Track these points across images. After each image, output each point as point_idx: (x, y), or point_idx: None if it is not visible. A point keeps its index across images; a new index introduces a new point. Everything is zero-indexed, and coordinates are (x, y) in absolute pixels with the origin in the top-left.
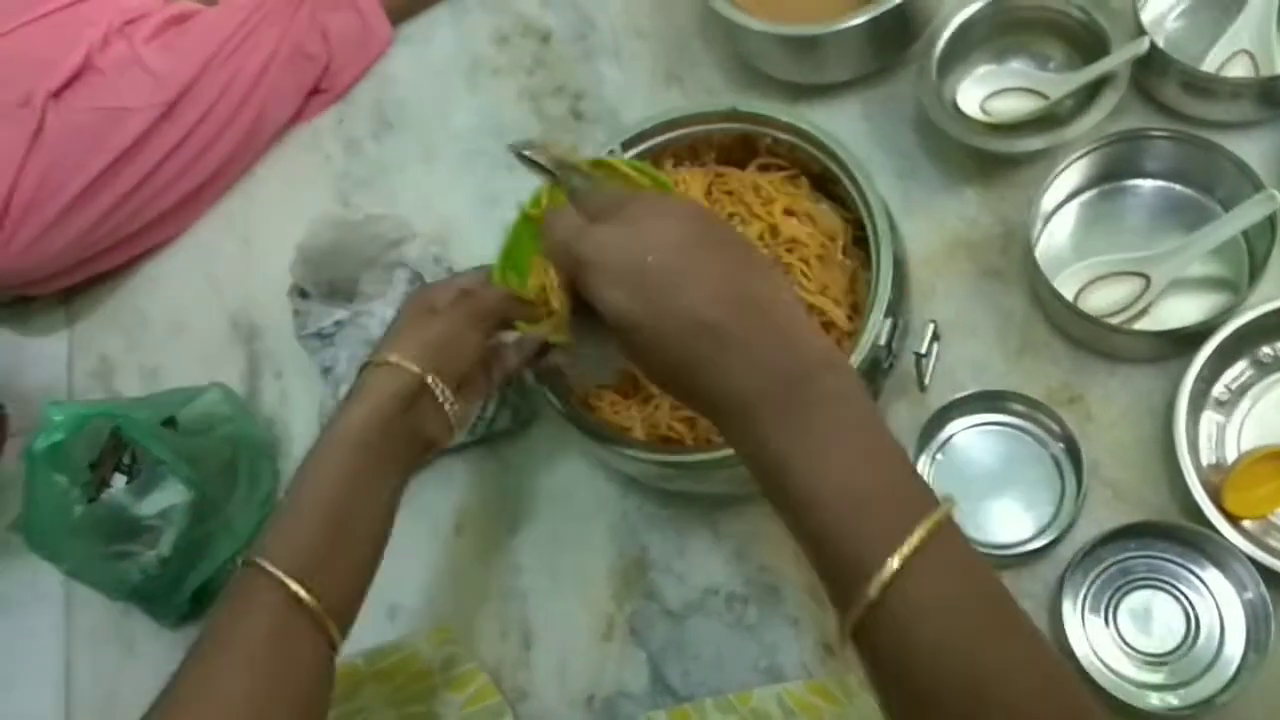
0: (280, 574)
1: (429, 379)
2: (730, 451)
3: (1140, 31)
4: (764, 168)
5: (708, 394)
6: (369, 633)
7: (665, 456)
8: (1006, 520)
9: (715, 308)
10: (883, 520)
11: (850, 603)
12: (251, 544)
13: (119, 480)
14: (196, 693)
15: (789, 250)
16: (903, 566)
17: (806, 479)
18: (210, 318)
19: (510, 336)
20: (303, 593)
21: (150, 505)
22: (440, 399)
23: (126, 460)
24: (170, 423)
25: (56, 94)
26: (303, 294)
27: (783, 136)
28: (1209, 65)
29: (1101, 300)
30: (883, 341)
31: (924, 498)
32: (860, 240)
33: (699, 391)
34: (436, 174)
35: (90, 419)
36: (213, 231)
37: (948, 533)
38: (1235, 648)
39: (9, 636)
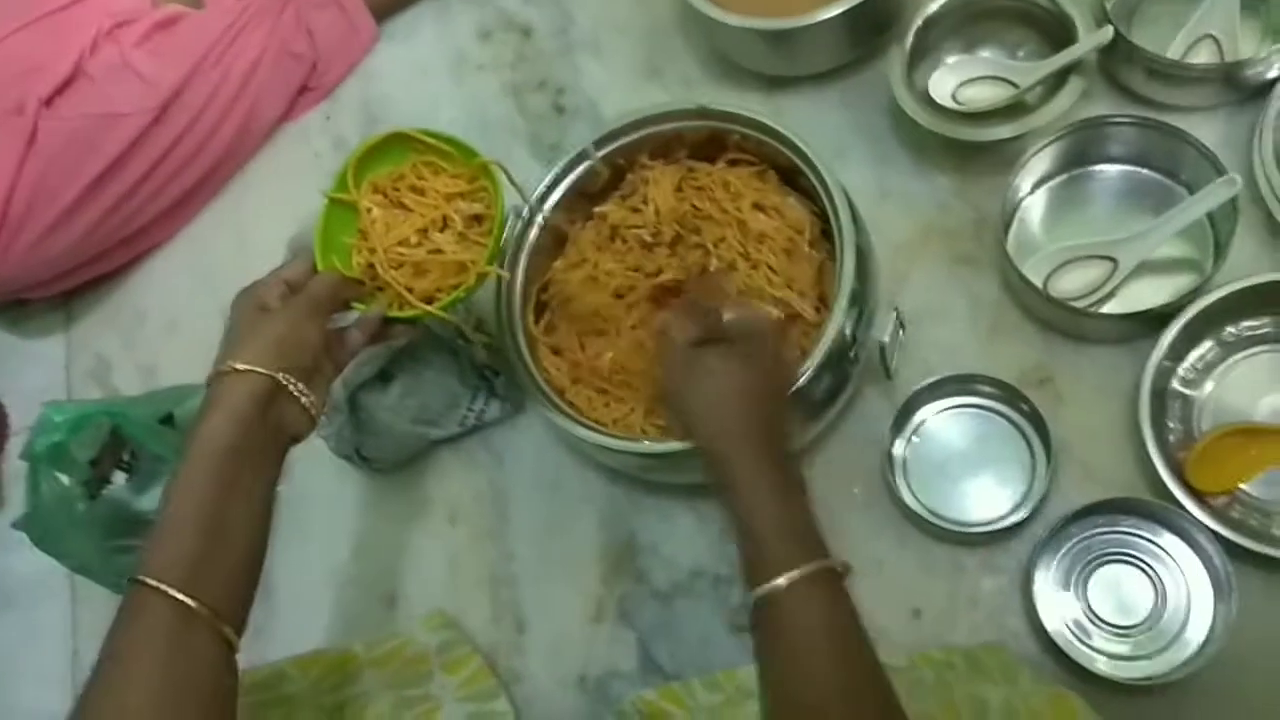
0: (165, 587)
1: (280, 377)
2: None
3: (1106, 19)
4: (734, 162)
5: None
6: (369, 622)
7: (637, 447)
8: (979, 499)
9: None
10: (786, 552)
11: (748, 593)
12: (138, 562)
13: (119, 477)
14: (100, 709)
15: (758, 243)
16: (788, 586)
17: (751, 511)
18: (206, 315)
19: (349, 318)
20: (190, 601)
21: (150, 500)
22: (296, 394)
23: (126, 457)
24: (168, 420)
25: (49, 101)
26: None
27: (750, 133)
28: (1174, 51)
29: (1071, 283)
30: (848, 332)
31: (819, 550)
32: (828, 232)
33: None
34: None
35: (89, 418)
36: (206, 230)
37: (832, 584)
38: (1201, 619)
39: (15, 633)
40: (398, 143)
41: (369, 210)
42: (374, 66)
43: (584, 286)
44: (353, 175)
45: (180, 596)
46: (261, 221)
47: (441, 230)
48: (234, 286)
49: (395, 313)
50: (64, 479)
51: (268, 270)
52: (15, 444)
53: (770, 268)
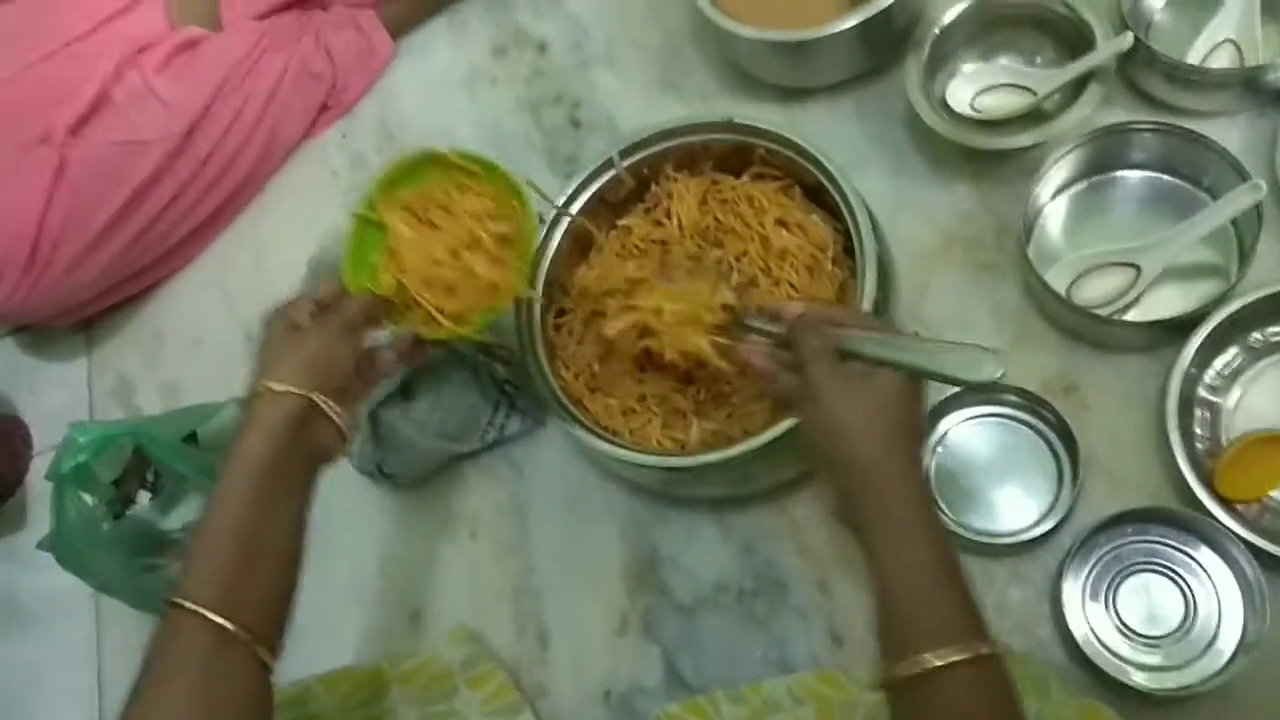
0: (201, 609)
1: (314, 398)
2: (713, 458)
3: (1124, 26)
4: (759, 176)
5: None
6: (393, 637)
7: (653, 460)
8: (1006, 510)
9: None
10: (942, 623)
11: (884, 669)
12: (174, 584)
13: (143, 496)
14: None
15: (780, 260)
16: (941, 667)
17: (892, 568)
18: (226, 333)
19: (380, 337)
20: (227, 623)
21: (175, 519)
22: (330, 414)
23: (149, 477)
24: (191, 438)
25: (74, 130)
26: None
27: (775, 148)
28: (1194, 56)
29: (1094, 291)
30: None
31: (979, 628)
32: (850, 250)
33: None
34: None
35: (113, 439)
36: (225, 249)
37: (990, 667)
38: (1232, 629)
39: (40, 650)
40: (426, 162)
41: (399, 229)
42: (390, 84)
43: (625, 336)
44: (381, 194)
45: (216, 619)
46: (280, 240)
47: (471, 250)
48: (254, 304)
49: (427, 333)
50: (88, 499)
51: (287, 288)
52: (38, 463)
53: (791, 285)
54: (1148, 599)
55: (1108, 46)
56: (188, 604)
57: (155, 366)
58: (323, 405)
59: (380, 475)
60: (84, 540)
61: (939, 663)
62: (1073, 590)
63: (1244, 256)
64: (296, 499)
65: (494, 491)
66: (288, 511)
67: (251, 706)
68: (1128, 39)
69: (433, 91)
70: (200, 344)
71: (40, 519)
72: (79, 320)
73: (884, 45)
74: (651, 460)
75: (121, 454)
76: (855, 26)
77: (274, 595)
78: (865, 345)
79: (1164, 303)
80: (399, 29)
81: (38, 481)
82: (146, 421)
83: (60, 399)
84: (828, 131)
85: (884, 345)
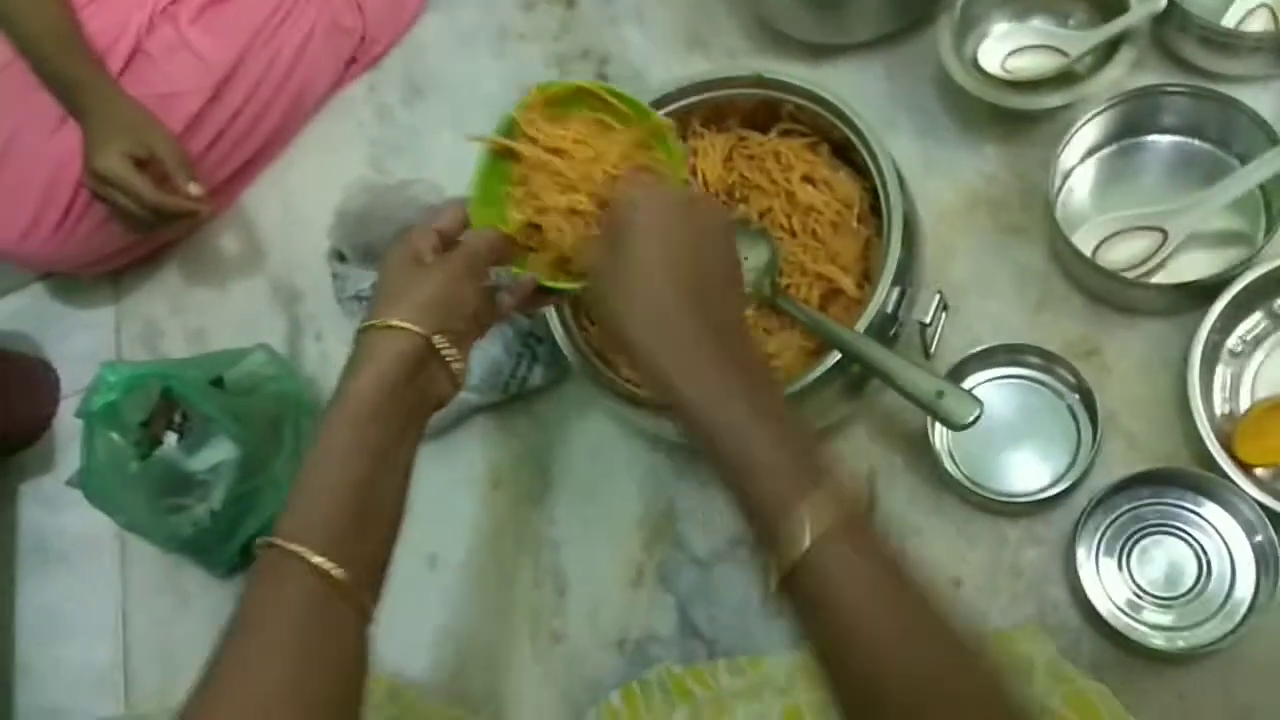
0: (306, 552)
1: (434, 339)
2: None
3: None
4: (786, 133)
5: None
6: (409, 582)
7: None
8: (1023, 470)
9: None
10: (787, 498)
11: (772, 567)
12: (274, 525)
13: (170, 438)
14: (235, 677)
15: (805, 216)
16: (812, 545)
17: (740, 450)
18: (252, 282)
19: (501, 277)
20: (332, 568)
21: (201, 461)
22: (447, 357)
23: (177, 419)
24: (218, 383)
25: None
26: (340, 257)
27: (804, 104)
28: (1229, 19)
29: (1119, 254)
30: (890, 310)
31: (824, 465)
32: (876, 209)
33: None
34: (465, 140)
35: (142, 379)
36: (252, 199)
37: (863, 533)
38: (1245, 590)
39: (67, 589)
40: (571, 97)
41: (537, 162)
42: (418, 38)
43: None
44: (521, 122)
45: (324, 564)
46: (307, 190)
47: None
48: (280, 254)
49: (551, 282)
50: (117, 438)
51: (314, 238)
52: (65, 407)
53: (817, 239)
54: (1162, 559)
55: (1141, 8)
56: (293, 546)
57: (182, 312)
58: (440, 348)
59: None
60: (112, 478)
61: (808, 543)
62: (1087, 550)
63: (1271, 222)
64: (406, 445)
65: (515, 443)
66: (397, 457)
67: (350, 656)
68: (1161, 1)
69: (461, 45)
70: (226, 291)
71: (68, 463)
72: (108, 269)
73: (916, 5)
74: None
75: (150, 395)
76: None
77: (380, 544)
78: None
79: (1189, 268)
80: None
81: (65, 425)
82: (174, 364)
83: (88, 344)
84: (856, 91)
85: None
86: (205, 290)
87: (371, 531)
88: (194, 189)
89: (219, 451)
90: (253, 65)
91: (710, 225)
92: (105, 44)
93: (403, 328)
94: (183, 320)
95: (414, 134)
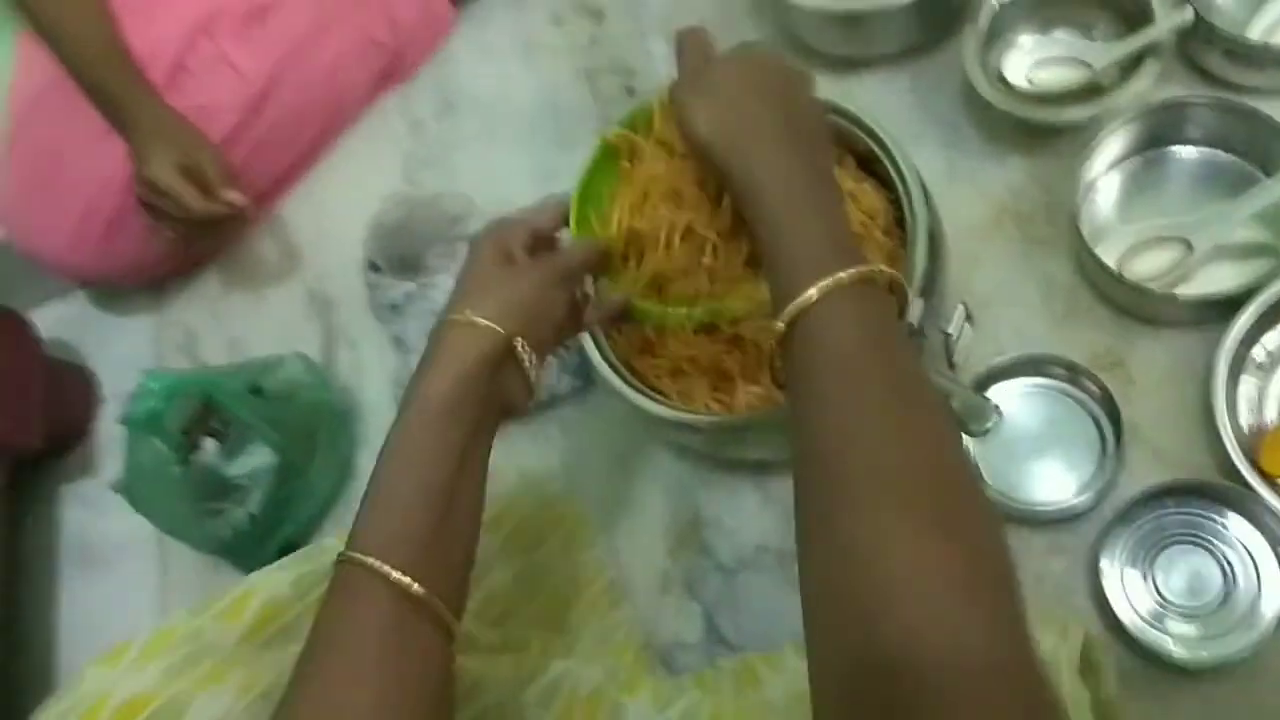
0: (386, 568)
1: (516, 343)
2: (759, 415)
3: (1182, 1)
4: None
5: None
6: None
7: (699, 419)
8: (1048, 480)
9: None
10: (808, 260)
11: (778, 315)
12: (349, 538)
13: (209, 444)
14: (318, 701)
15: None
16: (820, 298)
17: (779, 218)
18: (289, 291)
19: (589, 286)
20: (413, 585)
21: (239, 467)
22: (526, 364)
23: (216, 425)
24: (256, 390)
25: None
26: (375, 268)
27: (828, 116)
28: (1255, 30)
29: (1145, 266)
30: (915, 323)
31: (857, 253)
32: (901, 220)
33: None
34: (497, 152)
35: (183, 386)
36: (289, 210)
37: (868, 291)
38: (1270, 603)
39: (107, 590)
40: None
41: (651, 164)
42: (450, 51)
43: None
44: (639, 124)
45: (406, 581)
46: (341, 202)
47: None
48: (315, 264)
49: (639, 305)
50: (159, 444)
51: (346, 250)
52: (106, 410)
53: None
54: (1186, 570)
55: (1167, 20)
56: (372, 562)
57: (220, 320)
58: (522, 351)
59: None
60: (154, 483)
61: (815, 293)
62: (1110, 560)
63: None
64: (482, 450)
65: (543, 452)
66: (475, 461)
67: (437, 677)
68: (1188, 13)
69: (492, 59)
70: (263, 299)
71: (108, 466)
72: (149, 280)
73: (941, 18)
74: (696, 419)
75: (190, 402)
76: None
77: (459, 554)
78: None
79: (1214, 279)
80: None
81: (107, 429)
82: (214, 371)
83: (128, 351)
84: (882, 103)
85: None
86: (243, 298)
87: (452, 543)
88: (237, 197)
89: (256, 457)
90: (290, 79)
91: (803, 81)
92: (146, 59)
93: (487, 326)
94: (221, 328)
95: (446, 147)
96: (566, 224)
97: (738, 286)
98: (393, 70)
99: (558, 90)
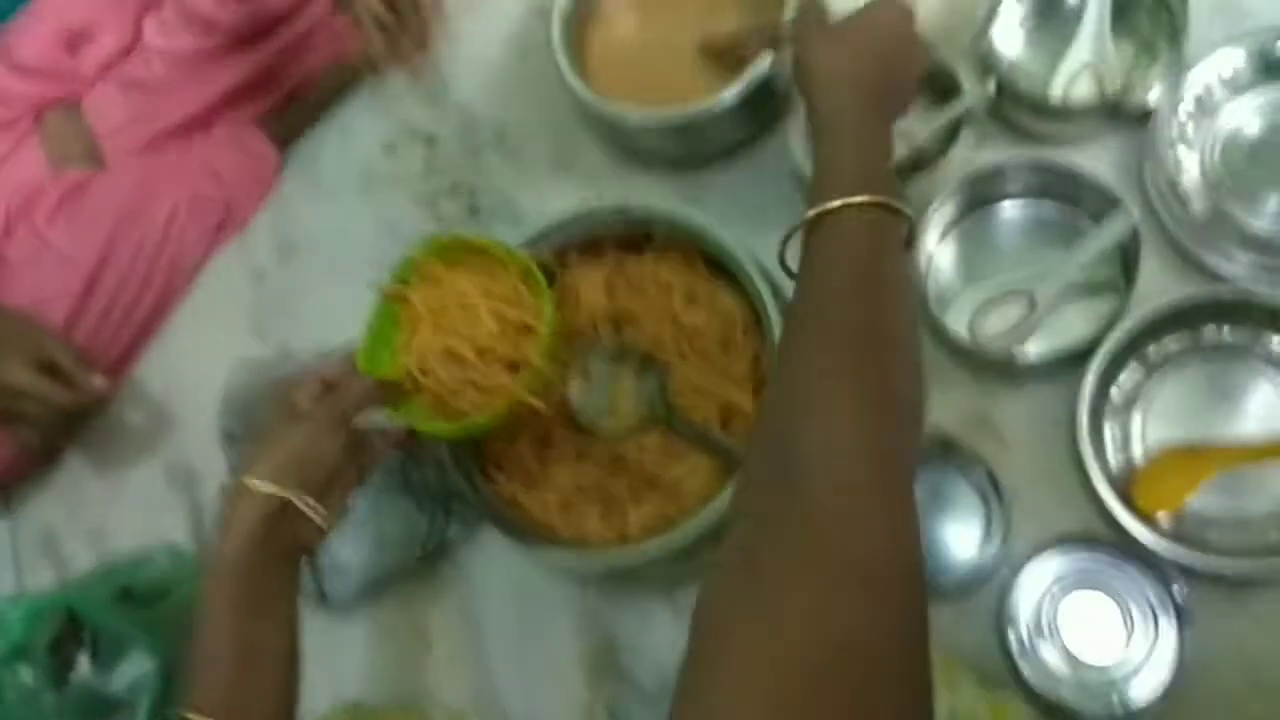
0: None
1: (292, 497)
2: (654, 547)
3: (985, 71)
4: (662, 250)
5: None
6: None
7: (595, 558)
8: (942, 552)
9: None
10: (845, 180)
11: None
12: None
13: (82, 661)
14: None
15: (691, 338)
16: (840, 208)
17: (842, 139)
18: (146, 471)
19: (379, 418)
20: None
21: (119, 679)
22: (308, 511)
23: (86, 639)
24: (127, 593)
25: None
26: (231, 438)
27: (672, 225)
28: (1057, 86)
29: (996, 321)
30: None
31: (887, 188)
32: (759, 319)
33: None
34: (344, 290)
35: (44, 609)
36: (137, 381)
37: (888, 221)
38: (1167, 643)
39: None
40: (455, 247)
41: (418, 309)
42: (284, 193)
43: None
44: (411, 272)
45: None
46: (190, 369)
47: (488, 344)
48: (168, 435)
49: (424, 427)
50: (26, 675)
51: (200, 418)
52: None
53: (706, 360)
54: (1087, 622)
55: (973, 93)
56: (190, 716)
57: (78, 513)
58: (298, 503)
59: (323, 599)
60: (27, 717)
61: (837, 203)
62: (1015, 623)
63: (1129, 271)
64: (282, 595)
65: (441, 599)
66: (275, 609)
67: None
68: (990, 87)
69: (326, 197)
70: (123, 484)
71: None
72: None
73: (769, 110)
74: (589, 561)
75: (55, 623)
76: (734, 99)
77: (276, 695)
78: None
79: (1064, 321)
80: (285, 139)
81: None
82: (76, 584)
83: None
84: (725, 196)
85: None
86: (100, 486)
87: (266, 685)
88: (100, 381)
89: (136, 665)
90: (121, 252)
91: (911, 42)
92: None
93: (262, 490)
94: (80, 522)
95: (292, 292)
96: (355, 368)
97: (501, 393)
98: (226, 221)
99: (399, 219)
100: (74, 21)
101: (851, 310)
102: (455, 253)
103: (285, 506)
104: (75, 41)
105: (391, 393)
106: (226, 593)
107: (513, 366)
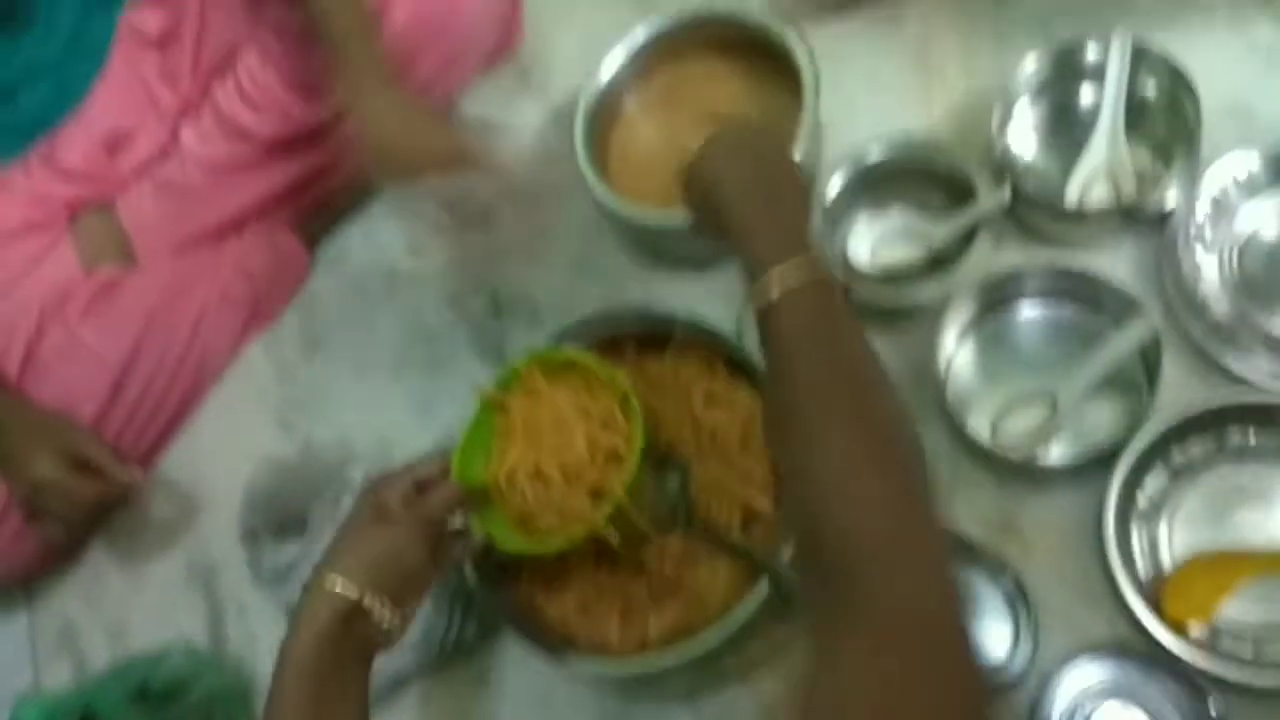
0: None
1: (364, 600)
2: (672, 657)
3: (1001, 177)
4: (682, 350)
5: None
6: None
7: (611, 669)
8: None
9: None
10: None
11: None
12: None
13: None
14: None
15: (711, 440)
16: (780, 297)
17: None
18: (166, 566)
19: (455, 524)
20: None
21: None
22: (377, 618)
23: None
24: (144, 690)
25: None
26: (252, 536)
27: (690, 327)
28: (1073, 189)
29: (1018, 424)
30: None
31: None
32: None
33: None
34: (369, 387)
35: (61, 708)
36: (162, 477)
37: (821, 291)
38: None
39: None
40: (557, 361)
41: (514, 423)
42: (312, 290)
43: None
44: (515, 381)
45: None
46: (213, 464)
47: (575, 466)
48: (191, 530)
49: (500, 541)
50: None
51: (222, 513)
52: None
53: (727, 462)
54: None
55: (989, 199)
56: None
57: (98, 608)
58: (371, 608)
59: None
60: None
61: (776, 295)
62: None
63: (1151, 374)
64: (350, 694)
65: (458, 704)
66: (343, 710)
67: None
68: (1005, 194)
69: (353, 293)
70: (143, 580)
71: None
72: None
73: None
74: (606, 670)
75: (72, 716)
76: None
77: None
78: None
79: (1087, 423)
80: (314, 238)
81: None
82: (93, 682)
83: (3, 653)
84: (741, 297)
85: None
86: (121, 579)
87: None
88: (134, 473)
89: None
90: (149, 351)
91: (773, 139)
92: None
93: (340, 589)
94: (100, 617)
95: (317, 388)
96: (448, 473)
97: (580, 520)
98: (254, 317)
99: (423, 317)
100: (117, 126)
101: (830, 390)
102: (557, 366)
103: (360, 607)
104: (115, 145)
105: (476, 499)
106: (298, 692)
107: (595, 492)
